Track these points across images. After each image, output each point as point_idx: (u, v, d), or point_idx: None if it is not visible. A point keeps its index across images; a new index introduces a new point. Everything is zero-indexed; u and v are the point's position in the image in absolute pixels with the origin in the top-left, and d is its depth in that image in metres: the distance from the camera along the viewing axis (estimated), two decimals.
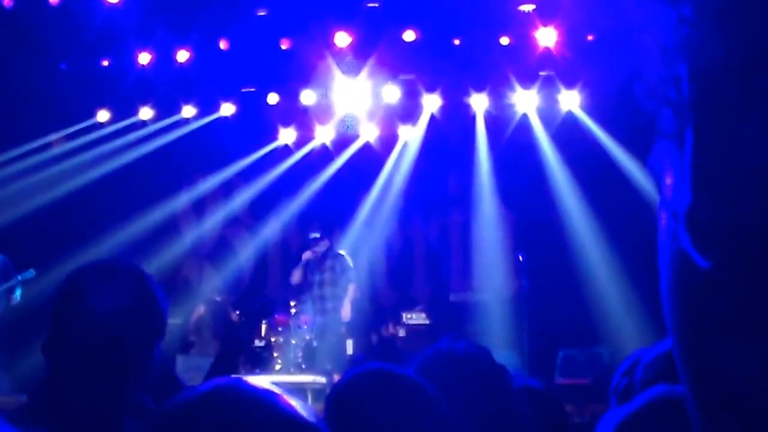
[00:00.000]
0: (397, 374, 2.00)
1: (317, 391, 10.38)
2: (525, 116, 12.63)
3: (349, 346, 11.53)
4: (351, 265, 11.41)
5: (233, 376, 1.32)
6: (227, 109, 13.08)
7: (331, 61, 12.27)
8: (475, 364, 2.40)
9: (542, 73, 12.24)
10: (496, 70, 12.23)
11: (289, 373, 11.62)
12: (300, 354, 12.10)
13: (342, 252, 11.57)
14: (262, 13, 12.03)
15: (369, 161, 13.30)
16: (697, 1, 0.92)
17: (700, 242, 0.91)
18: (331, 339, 11.26)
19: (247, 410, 1.17)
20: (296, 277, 11.56)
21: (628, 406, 1.97)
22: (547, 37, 11.76)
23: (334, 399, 2.01)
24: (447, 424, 1.95)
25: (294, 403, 1.21)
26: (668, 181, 0.98)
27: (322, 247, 11.33)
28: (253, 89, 13.01)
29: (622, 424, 1.89)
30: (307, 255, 11.35)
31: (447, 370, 2.35)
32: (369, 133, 13.35)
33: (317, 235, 11.41)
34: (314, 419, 1.21)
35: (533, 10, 11.64)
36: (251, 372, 11.98)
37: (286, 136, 13.47)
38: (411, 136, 13.16)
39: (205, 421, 1.16)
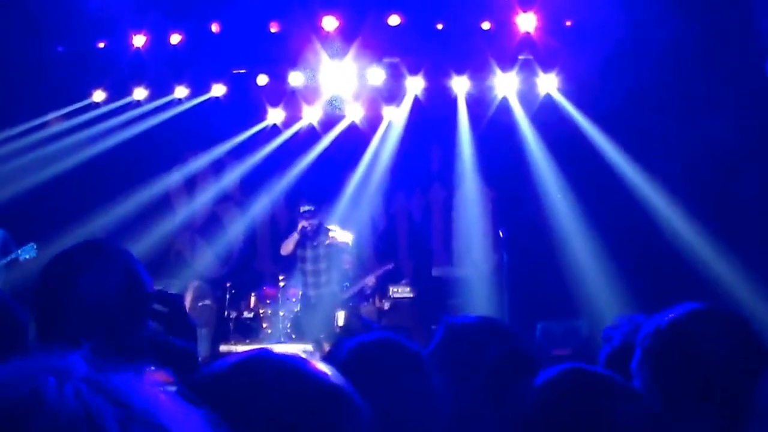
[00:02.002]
0: (402, 344, 2.02)
1: None
2: (505, 98, 12.68)
3: (341, 318, 11.61)
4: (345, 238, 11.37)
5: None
6: (218, 89, 13.12)
7: (318, 44, 12.32)
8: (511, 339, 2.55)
9: (521, 57, 12.32)
10: (478, 54, 12.31)
11: (278, 342, 11.82)
12: (288, 325, 12.41)
13: (333, 228, 11.52)
14: None
15: (355, 141, 13.36)
16: None
17: None
18: (323, 310, 11.29)
19: (281, 375, 1.25)
20: (288, 247, 11.40)
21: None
22: (526, 22, 11.86)
23: (344, 362, 1.99)
24: (439, 394, 1.98)
25: (321, 367, 1.29)
26: None
27: (315, 220, 11.21)
28: (243, 71, 13.07)
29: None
30: (303, 224, 11.15)
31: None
32: (355, 114, 13.40)
33: (310, 207, 11.30)
34: (340, 381, 1.29)
35: None
36: (241, 342, 12.35)
37: (275, 116, 13.49)
38: (395, 117, 13.21)
39: (243, 386, 1.23)
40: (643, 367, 2.25)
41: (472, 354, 2.53)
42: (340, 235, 11.58)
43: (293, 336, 12.04)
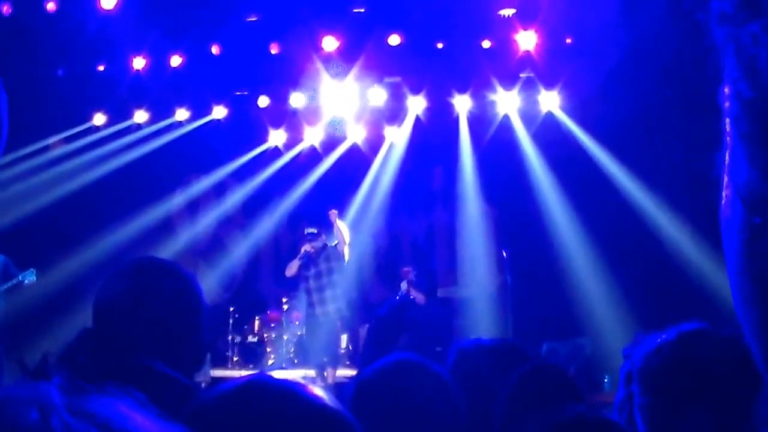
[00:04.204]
0: (422, 365, 2.05)
1: None
2: (506, 117, 12.68)
3: (344, 341, 11.55)
4: (343, 238, 11.39)
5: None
6: (219, 112, 13.17)
7: (319, 65, 12.34)
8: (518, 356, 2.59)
9: (523, 75, 12.32)
10: (479, 73, 12.33)
11: (280, 368, 11.76)
12: (292, 349, 12.34)
13: (335, 244, 11.46)
14: (252, 19, 12.09)
15: (356, 162, 13.37)
16: None
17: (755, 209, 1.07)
18: (328, 330, 11.19)
19: (278, 400, 1.24)
20: (293, 269, 11.38)
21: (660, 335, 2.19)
22: (527, 40, 11.84)
23: (364, 384, 2.04)
24: (461, 413, 2.01)
25: (318, 392, 1.28)
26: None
27: (319, 242, 11.22)
28: (244, 92, 13.12)
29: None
30: (306, 247, 11.17)
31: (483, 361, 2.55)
32: (356, 135, 13.44)
33: (314, 230, 11.30)
34: (338, 407, 1.27)
35: (513, 14, 11.74)
36: (245, 367, 12.27)
37: (276, 137, 13.55)
38: (397, 137, 13.24)
39: (241, 412, 1.22)
40: (637, 389, 2.24)
41: (487, 379, 2.56)
42: (342, 226, 11.53)
43: (295, 361, 11.97)
